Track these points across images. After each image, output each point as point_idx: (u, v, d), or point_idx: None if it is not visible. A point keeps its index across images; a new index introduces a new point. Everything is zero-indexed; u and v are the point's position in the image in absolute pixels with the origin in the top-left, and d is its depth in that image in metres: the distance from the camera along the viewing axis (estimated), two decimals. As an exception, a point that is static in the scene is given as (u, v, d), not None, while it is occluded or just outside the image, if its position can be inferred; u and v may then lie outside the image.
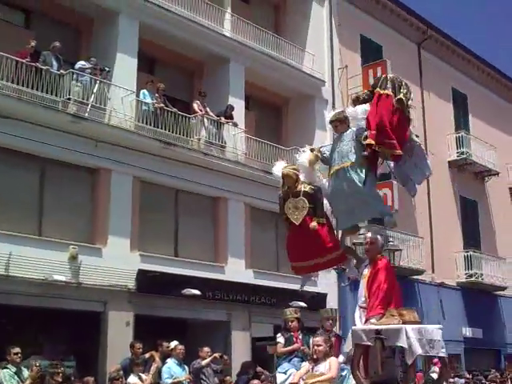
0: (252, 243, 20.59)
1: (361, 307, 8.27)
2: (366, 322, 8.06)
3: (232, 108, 20.83)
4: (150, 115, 18.65)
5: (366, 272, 8.33)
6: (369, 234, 8.74)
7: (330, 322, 11.14)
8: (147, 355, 13.92)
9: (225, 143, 20.36)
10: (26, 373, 11.75)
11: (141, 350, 13.88)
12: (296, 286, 20.22)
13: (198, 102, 20.33)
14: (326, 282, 21.62)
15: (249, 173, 20.32)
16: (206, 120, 20.14)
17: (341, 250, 8.74)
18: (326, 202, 8.63)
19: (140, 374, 13.27)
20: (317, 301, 20.20)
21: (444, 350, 7.80)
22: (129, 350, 14.04)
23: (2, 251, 14.82)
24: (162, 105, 18.93)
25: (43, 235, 16.05)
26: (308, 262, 8.74)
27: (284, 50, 23.45)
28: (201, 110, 20.11)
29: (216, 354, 14.53)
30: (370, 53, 26.10)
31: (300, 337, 10.93)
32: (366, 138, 8.15)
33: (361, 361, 7.92)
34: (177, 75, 21.47)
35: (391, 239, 21.81)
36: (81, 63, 17.67)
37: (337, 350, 10.04)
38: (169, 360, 13.75)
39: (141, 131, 18.08)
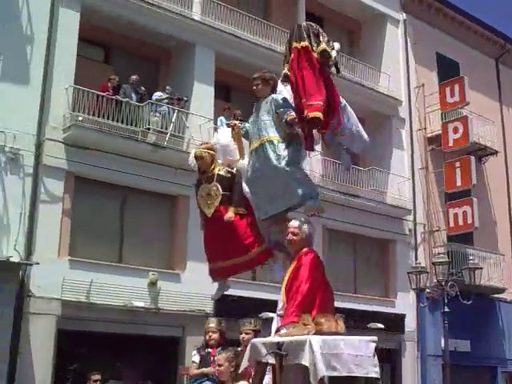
0: (329, 265, 20.53)
1: (278, 315, 6.71)
2: (275, 332, 6.55)
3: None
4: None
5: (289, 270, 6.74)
6: (292, 222, 6.80)
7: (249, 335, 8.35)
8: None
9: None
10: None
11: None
12: (375, 308, 20.40)
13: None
14: (403, 303, 21.55)
15: (325, 195, 20.34)
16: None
17: (264, 246, 7.27)
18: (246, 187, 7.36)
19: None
20: (395, 322, 20.08)
21: (377, 370, 6.17)
22: (207, 373, 14.23)
23: (84, 279, 15.41)
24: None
25: (123, 262, 16.61)
26: (224, 262, 7.36)
27: (359, 71, 23.55)
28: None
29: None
30: (447, 70, 25.90)
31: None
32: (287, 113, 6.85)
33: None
34: (253, 102, 21.72)
35: (471, 257, 21.44)
36: (158, 94, 18.26)
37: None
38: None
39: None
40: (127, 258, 16.72)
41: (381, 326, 18.35)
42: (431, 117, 25.13)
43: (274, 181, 6.85)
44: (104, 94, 17.08)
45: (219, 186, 7.25)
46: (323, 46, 6.81)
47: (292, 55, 6.88)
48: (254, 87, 7.35)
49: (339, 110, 7.03)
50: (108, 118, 16.87)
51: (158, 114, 17.79)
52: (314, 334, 6.03)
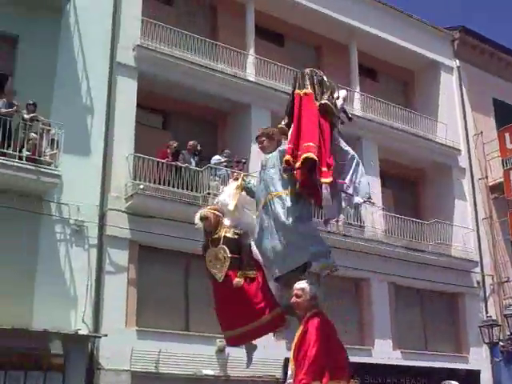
0: (397, 322, 20.13)
1: None
2: None
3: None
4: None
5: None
6: (296, 284, 6.40)
7: None
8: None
9: (363, 223, 20.25)
10: None
11: None
12: (448, 364, 19.70)
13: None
14: (477, 358, 20.83)
15: (389, 251, 20.05)
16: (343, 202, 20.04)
17: (276, 310, 6.85)
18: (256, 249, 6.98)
19: None
20: (470, 379, 19.37)
21: None
22: None
23: (152, 349, 15.25)
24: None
25: (190, 330, 16.43)
26: (238, 329, 6.96)
27: (416, 122, 23.33)
28: (338, 192, 20.08)
29: None
30: (505, 115, 25.40)
31: None
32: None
33: None
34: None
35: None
36: (216, 158, 18.28)
37: None
38: None
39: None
40: (194, 325, 16.54)
41: (455, 383, 17.65)
42: (492, 164, 24.63)
43: (283, 239, 6.53)
44: (164, 160, 17.14)
45: (226, 249, 6.87)
46: (324, 100, 6.61)
47: (294, 102, 6.71)
48: (260, 145, 7.11)
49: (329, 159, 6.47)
50: (168, 185, 16.90)
51: (217, 178, 17.75)
52: None
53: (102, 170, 16.38)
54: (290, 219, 6.47)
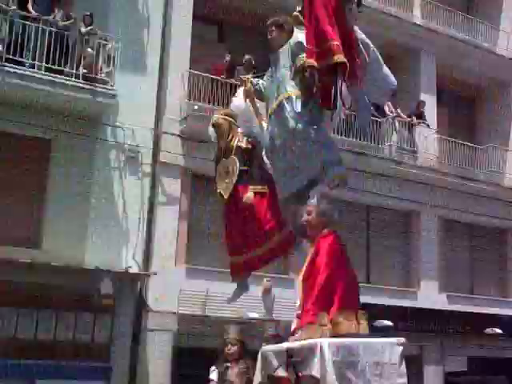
0: (444, 262, 19.38)
1: (296, 316, 5.61)
2: (290, 336, 5.54)
3: (423, 104, 19.67)
4: (341, 125, 17.84)
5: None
6: (311, 201, 5.75)
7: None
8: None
9: (416, 148, 19.24)
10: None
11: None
12: (493, 310, 19.05)
13: (389, 103, 19.24)
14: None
15: (441, 180, 19.08)
16: (397, 123, 19.08)
17: (286, 231, 6.27)
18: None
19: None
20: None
21: (402, 381, 5.14)
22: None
23: (200, 289, 14.91)
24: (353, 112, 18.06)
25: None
26: (247, 254, 6.46)
27: (477, 32, 21.64)
28: (392, 112, 19.07)
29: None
30: None
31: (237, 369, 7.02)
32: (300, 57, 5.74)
33: None
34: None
35: None
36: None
37: None
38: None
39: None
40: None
41: (499, 331, 17.28)
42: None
43: (293, 149, 5.86)
44: (219, 77, 16.03)
45: (237, 161, 6.37)
46: None
47: None
48: (269, 36, 6.23)
49: (357, 52, 5.85)
50: (223, 106, 15.85)
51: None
52: (331, 336, 5.08)
53: (156, 88, 15.41)
54: (299, 124, 5.78)
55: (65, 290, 13.26)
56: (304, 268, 5.56)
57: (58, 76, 13.60)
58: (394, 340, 5.26)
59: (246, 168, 6.33)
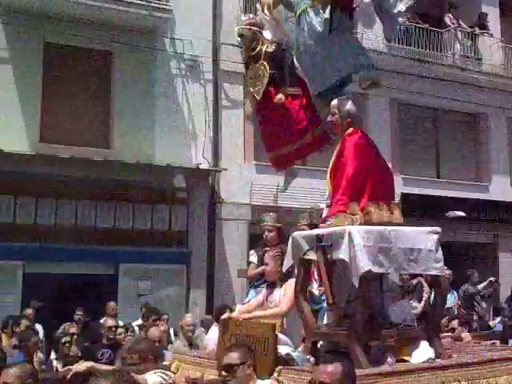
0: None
1: (326, 205, 5.91)
2: (321, 224, 5.76)
3: (485, 16, 19.66)
4: (402, 34, 18.12)
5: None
6: (333, 101, 5.96)
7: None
8: (414, 281, 13.84)
9: (480, 55, 19.31)
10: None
11: (408, 276, 13.80)
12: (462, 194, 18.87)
13: (449, 15, 19.40)
14: (500, 188, 19.37)
15: (507, 84, 19.11)
16: (459, 33, 19.20)
17: (320, 129, 6.53)
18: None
19: (410, 300, 13.25)
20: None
21: (439, 266, 5.38)
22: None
23: (271, 183, 15.25)
24: (413, 22, 18.31)
25: (307, 164, 16.33)
26: (282, 149, 6.73)
27: None
28: (453, 24, 19.20)
29: (491, 278, 14.13)
30: None
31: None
32: None
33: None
34: None
35: None
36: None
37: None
38: (435, 286, 13.58)
39: (394, 51, 17.65)
40: (311, 159, 15.87)
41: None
42: None
43: (322, 51, 6.10)
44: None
45: (266, 65, 6.45)
46: None
47: None
48: None
49: None
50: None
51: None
52: (362, 224, 5.23)
53: (212, 1, 15.90)
54: (328, 30, 6.04)
55: (140, 186, 14.02)
56: (331, 162, 5.85)
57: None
58: (428, 229, 5.49)
59: (275, 71, 6.46)
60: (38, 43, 13.88)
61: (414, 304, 12.76)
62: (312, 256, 5.38)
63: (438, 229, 5.47)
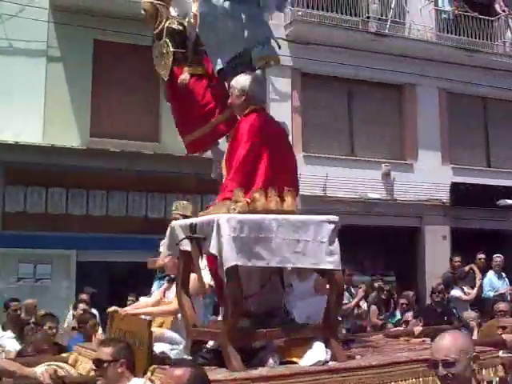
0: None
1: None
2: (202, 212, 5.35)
3: (536, 0, 19.37)
4: (451, 23, 18.04)
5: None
6: (232, 81, 5.42)
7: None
8: (466, 268, 13.76)
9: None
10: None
11: (459, 263, 13.76)
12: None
13: (499, 2, 19.16)
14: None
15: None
16: (510, 20, 18.96)
17: (227, 113, 5.95)
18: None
19: (463, 287, 13.19)
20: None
21: (333, 259, 4.79)
22: (445, 263, 14.03)
23: (319, 173, 15.48)
24: (462, 10, 18.20)
25: (355, 155, 16.51)
26: (194, 133, 6.24)
27: None
28: (503, 11, 18.97)
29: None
30: None
31: None
32: None
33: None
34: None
35: None
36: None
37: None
38: (489, 272, 13.49)
39: (442, 41, 17.57)
40: (359, 150, 16.65)
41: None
42: None
43: (224, 26, 5.71)
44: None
45: (169, 42, 6.13)
46: None
47: None
48: None
49: None
50: (327, 10, 16.44)
51: (377, 1, 17.09)
52: (243, 212, 4.72)
53: (260, -4, 16.10)
54: (227, 2, 5.72)
55: (188, 177, 14.26)
56: (227, 146, 5.43)
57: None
58: (321, 218, 4.92)
59: (179, 50, 6.16)
60: (87, 41, 14.28)
61: (467, 290, 12.78)
62: (186, 247, 4.90)
63: (334, 218, 4.94)
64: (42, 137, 13.37)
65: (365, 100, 16.96)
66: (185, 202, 7.80)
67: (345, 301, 12.38)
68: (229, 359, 4.48)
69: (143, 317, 5.48)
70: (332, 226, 4.87)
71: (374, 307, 12.60)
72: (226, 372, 4.39)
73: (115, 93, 14.52)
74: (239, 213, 4.70)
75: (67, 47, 14.07)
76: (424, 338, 6.48)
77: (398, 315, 12.32)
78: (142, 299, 6.32)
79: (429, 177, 16.54)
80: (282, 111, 15.53)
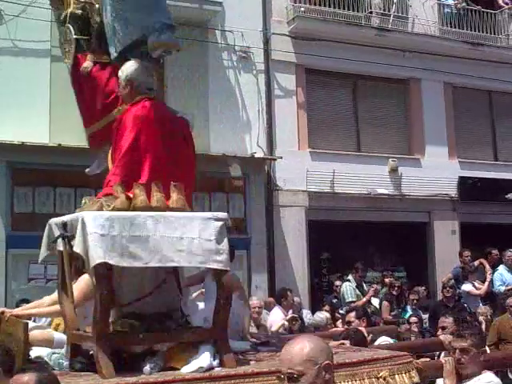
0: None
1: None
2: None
3: (539, -7, 19.31)
4: (454, 17, 17.98)
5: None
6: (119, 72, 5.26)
7: None
8: (476, 263, 13.69)
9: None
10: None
11: (469, 257, 13.68)
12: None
13: (503, -4, 19.11)
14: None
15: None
16: (513, 14, 18.89)
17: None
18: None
19: (473, 281, 13.11)
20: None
21: (221, 258, 4.49)
22: (455, 258, 13.98)
23: (326, 169, 15.38)
24: (464, 4, 18.12)
25: (362, 151, 16.43)
26: (95, 125, 5.90)
27: None
28: (506, 4, 18.90)
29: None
30: None
31: None
32: None
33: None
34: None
35: None
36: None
37: None
38: (500, 267, 13.42)
39: (446, 35, 17.49)
40: (365, 146, 16.56)
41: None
42: None
43: (121, 10, 5.37)
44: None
45: (72, 29, 5.77)
46: None
47: None
48: None
49: None
50: (329, 6, 16.36)
51: (378, -3, 17.01)
52: (119, 210, 4.50)
53: (262, -8, 16.00)
54: None
55: (198, 175, 14.14)
56: (113, 138, 5.14)
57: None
58: (208, 214, 4.70)
59: (82, 36, 5.83)
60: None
61: (478, 285, 12.70)
62: (60, 247, 4.65)
63: (223, 214, 4.71)
64: (48, 137, 13.23)
65: (370, 95, 16.91)
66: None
67: (354, 298, 12.51)
68: (99, 365, 4.25)
69: (43, 318, 5.38)
70: (219, 223, 4.58)
71: (385, 303, 12.57)
72: (93, 380, 4.16)
73: (120, 92, 14.40)
74: (115, 210, 4.49)
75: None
76: (343, 341, 6.30)
77: (410, 311, 12.29)
78: (46, 298, 5.89)
79: (436, 171, 16.44)
80: (286, 108, 15.57)
